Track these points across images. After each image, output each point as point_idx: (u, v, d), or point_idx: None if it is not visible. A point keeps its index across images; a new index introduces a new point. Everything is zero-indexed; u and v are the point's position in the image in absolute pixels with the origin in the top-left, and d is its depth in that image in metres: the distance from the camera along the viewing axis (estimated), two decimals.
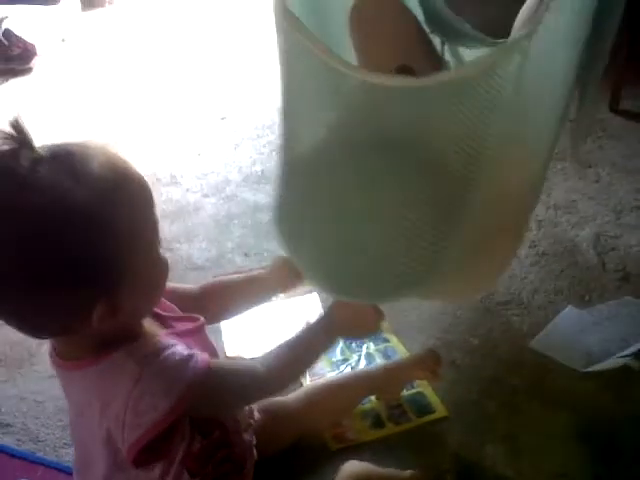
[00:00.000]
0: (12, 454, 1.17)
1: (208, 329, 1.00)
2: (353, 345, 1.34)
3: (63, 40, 2.80)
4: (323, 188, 1.06)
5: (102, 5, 3.21)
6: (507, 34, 1.08)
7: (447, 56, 1.36)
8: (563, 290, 1.48)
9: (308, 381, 1.26)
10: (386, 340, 1.36)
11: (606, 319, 1.40)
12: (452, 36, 1.34)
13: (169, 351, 0.83)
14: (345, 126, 1.01)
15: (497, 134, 0.94)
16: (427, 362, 1.21)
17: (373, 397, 1.23)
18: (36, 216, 0.71)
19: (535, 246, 1.60)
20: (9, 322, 0.77)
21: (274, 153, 2.00)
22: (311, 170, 1.09)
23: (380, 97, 0.91)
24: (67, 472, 1.11)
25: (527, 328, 1.39)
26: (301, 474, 1.12)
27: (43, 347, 1.37)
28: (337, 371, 1.29)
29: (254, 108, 2.25)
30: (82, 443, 0.92)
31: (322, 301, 1.42)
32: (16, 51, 2.58)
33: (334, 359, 1.31)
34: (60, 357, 0.86)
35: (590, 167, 1.87)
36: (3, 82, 2.53)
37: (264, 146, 2.06)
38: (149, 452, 0.82)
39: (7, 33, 2.56)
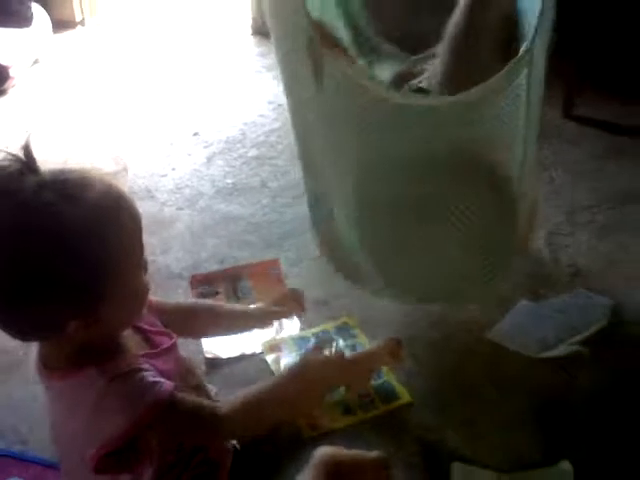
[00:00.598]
0: (3, 454, 1.23)
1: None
2: (324, 340, 1.43)
3: (36, 62, 2.87)
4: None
5: (73, 27, 3.28)
6: (425, 49, 1.21)
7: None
8: (518, 286, 1.57)
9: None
10: (354, 336, 1.45)
11: (558, 310, 1.50)
12: (376, 57, 1.46)
13: (138, 375, 0.90)
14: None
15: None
16: (389, 347, 1.28)
17: (342, 389, 1.31)
18: (32, 236, 0.78)
19: None
20: None
21: (245, 166, 2.10)
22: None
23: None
24: (57, 469, 1.19)
25: (484, 322, 1.48)
26: (277, 460, 1.19)
27: (30, 355, 1.44)
28: None
29: (224, 123, 2.34)
30: (61, 446, 1.00)
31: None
32: None
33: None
34: (43, 365, 0.93)
35: (545, 170, 1.98)
36: None
37: (235, 159, 2.15)
38: (113, 461, 0.89)
39: None
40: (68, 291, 0.81)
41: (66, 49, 3.04)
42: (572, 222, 1.79)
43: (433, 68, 1.48)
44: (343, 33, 1.54)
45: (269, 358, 1.40)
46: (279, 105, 2.32)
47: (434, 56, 1.52)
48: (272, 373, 1.36)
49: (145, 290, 0.93)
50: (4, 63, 2.63)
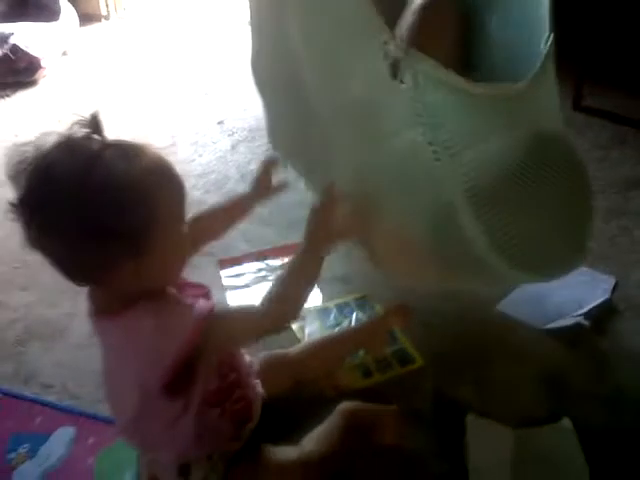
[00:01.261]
0: (56, 407, 1.36)
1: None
2: (345, 311, 1.55)
3: (64, 53, 3.00)
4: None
5: (99, 20, 3.41)
6: None
7: None
8: None
9: (306, 338, 1.46)
10: (372, 308, 1.57)
11: (563, 286, 1.61)
12: None
13: (184, 300, 1.02)
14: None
15: None
16: (399, 309, 1.40)
17: (362, 352, 1.43)
18: (96, 186, 0.90)
19: None
20: (56, 266, 0.94)
21: (267, 153, 2.21)
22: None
23: None
24: (104, 421, 1.31)
25: (494, 296, 1.59)
26: (301, 416, 1.29)
27: (73, 322, 1.57)
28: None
29: (248, 113, 2.46)
30: (114, 389, 1.09)
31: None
32: (22, 65, 2.74)
33: (328, 324, 1.52)
34: (96, 310, 1.03)
35: None
36: (12, 94, 2.72)
37: (258, 147, 2.27)
38: (171, 388, 0.99)
39: (14, 48, 2.72)
40: (123, 235, 0.92)
41: (92, 41, 3.17)
42: None
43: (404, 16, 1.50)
44: None
45: (295, 326, 1.52)
46: None
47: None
48: (298, 340, 1.48)
49: (186, 241, 1.03)
50: (36, 54, 2.76)
